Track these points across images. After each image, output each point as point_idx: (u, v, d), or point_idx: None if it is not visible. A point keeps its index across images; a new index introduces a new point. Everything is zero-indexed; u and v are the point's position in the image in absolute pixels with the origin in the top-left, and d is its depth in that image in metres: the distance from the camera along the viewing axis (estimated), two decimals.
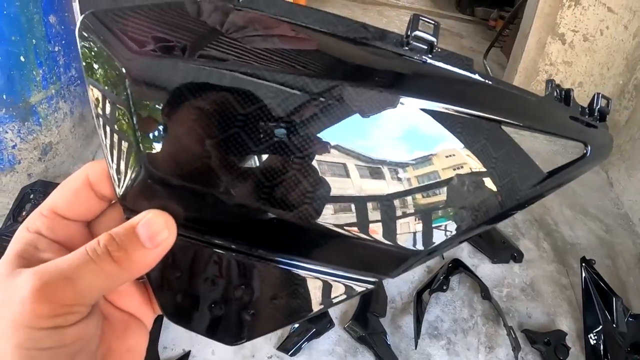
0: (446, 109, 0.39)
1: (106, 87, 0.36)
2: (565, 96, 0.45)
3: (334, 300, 0.42)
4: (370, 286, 0.42)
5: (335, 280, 0.41)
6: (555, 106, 0.45)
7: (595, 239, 2.23)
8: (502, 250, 2.02)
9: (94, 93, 0.36)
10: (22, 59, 1.87)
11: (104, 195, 0.38)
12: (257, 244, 0.39)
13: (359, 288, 0.42)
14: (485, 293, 1.76)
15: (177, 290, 0.39)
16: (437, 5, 6.33)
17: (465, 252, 2.02)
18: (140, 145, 0.35)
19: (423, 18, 0.40)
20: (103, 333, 0.38)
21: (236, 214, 0.37)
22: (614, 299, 1.64)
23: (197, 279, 0.39)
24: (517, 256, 2.01)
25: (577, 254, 2.04)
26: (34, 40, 1.90)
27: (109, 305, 0.40)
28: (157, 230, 0.35)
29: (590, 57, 2.77)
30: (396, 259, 0.41)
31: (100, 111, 0.36)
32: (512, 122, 0.42)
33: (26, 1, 1.82)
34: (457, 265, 1.85)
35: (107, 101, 0.36)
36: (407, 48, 0.40)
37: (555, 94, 0.45)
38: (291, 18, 0.39)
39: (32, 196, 1.86)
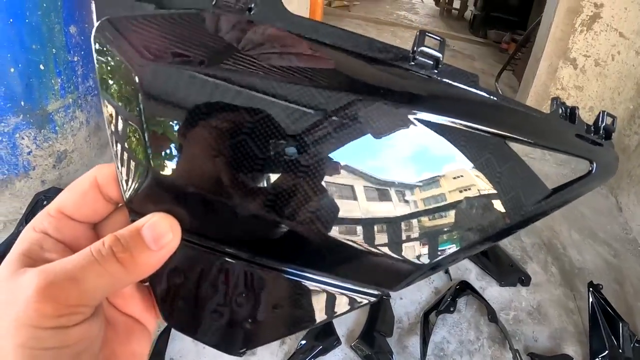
0: (452, 122, 0.39)
1: (118, 94, 0.36)
2: (571, 114, 0.44)
3: (337, 312, 0.42)
4: (372, 299, 0.42)
5: (339, 292, 0.41)
6: (561, 124, 0.44)
7: (603, 264, 2.23)
8: (510, 273, 2.02)
9: (106, 97, 0.37)
10: (41, 67, 1.91)
11: (111, 197, 0.39)
12: (261, 252, 0.39)
13: (362, 300, 0.42)
14: (492, 316, 1.76)
15: (179, 295, 0.39)
16: (450, 27, 6.39)
17: (473, 274, 2.02)
18: (150, 155, 0.36)
19: (429, 34, 0.41)
20: (107, 337, 0.37)
21: (241, 223, 0.37)
22: (620, 324, 1.64)
23: (199, 285, 0.39)
24: (524, 279, 2.00)
25: (584, 278, 2.04)
26: (54, 50, 1.93)
27: (112, 309, 0.40)
28: (161, 233, 0.35)
29: (601, 82, 2.79)
30: (399, 273, 0.41)
31: (111, 118, 0.37)
32: (517, 137, 0.42)
33: (48, 11, 1.85)
34: (464, 287, 1.85)
35: (119, 108, 0.37)
36: (413, 63, 0.41)
37: (560, 111, 0.45)
38: (301, 32, 0.39)
39: (45, 202, 1.87)
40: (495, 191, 0.41)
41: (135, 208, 0.37)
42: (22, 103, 1.90)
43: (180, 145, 0.35)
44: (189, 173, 0.36)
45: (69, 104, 2.09)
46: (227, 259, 0.39)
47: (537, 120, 0.44)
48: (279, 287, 0.40)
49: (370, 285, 0.42)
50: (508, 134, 0.41)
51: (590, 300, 1.75)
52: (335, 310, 0.42)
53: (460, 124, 0.39)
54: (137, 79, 0.35)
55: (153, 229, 0.35)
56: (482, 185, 0.41)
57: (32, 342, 0.30)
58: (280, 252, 0.39)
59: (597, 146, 0.45)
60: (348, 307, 0.42)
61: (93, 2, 0.36)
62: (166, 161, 0.36)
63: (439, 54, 0.40)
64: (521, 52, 3.87)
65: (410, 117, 0.38)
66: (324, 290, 0.40)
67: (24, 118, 1.93)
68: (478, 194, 0.41)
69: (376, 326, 1.62)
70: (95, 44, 0.36)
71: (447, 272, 1.97)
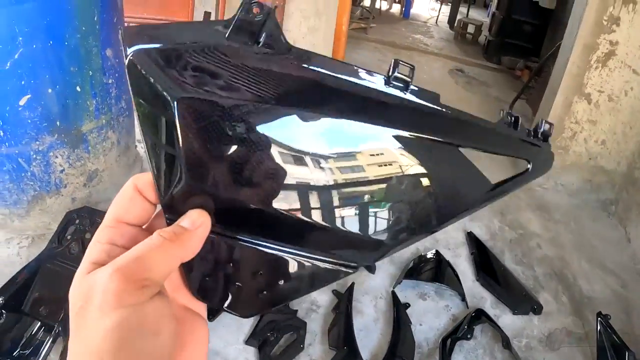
0: (413, 136, 0.47)
1: (154, 120, 0.42)
2: (514, 122, 0.51)
3: (330, 280, 0.50)
4: (350, 271, 0.50)
5: (321, 265, 0.49)
6: (506, 130, 0.51)
7: (611, 293, 2.29)
8: (523, 302, 2.08)
9: (143, 119, 0.43)
10: (78, 89, 1.97)
11: (151, 200, 0.44)
12: (260, 234, 0.46)
13: (343, 273, 0.50)
14: (506, 343, 1.82)
15: (200, 271, 0.45)
16: (464, 51, 6.48)
17: (488, 303, 2.09)
18: (182, 168, 0.42)
19: (402, 63, 0.48)
20: (177, 331, 0.42)
21: (246, 213, 0.45)
22: (627, 353, 1.70)
23: (216, 263, 0.46)
24: (536, 308, 2.06)
25: (593, 308, 2.10)
26: (90, 72, 1.99)
27: (174, 304, 0.45)
28: (195, 217, 0.42)
29: (614, 117, 2.85)
30: (365, 247, 0.49)
31: (147, 137, 0.43)
32: (467, 145, 0.50)
33: (86, 34, 1.91)
34: (480, 315, 1.92)
35: (155, 130, 0.43)
36: (390, 86, 0.48)
37: (507, 120, 0.52)
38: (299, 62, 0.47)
39: (77, 221, 1.93)
40: (439, 179, 0.50)
41: (169, 210, 0.43)
42: (58, 123, 1.95)
43: (203, 161, 0.42)
44: (210, 181, 0.43)
45: (102, 124, 2.14)
46: (238, 242, 0.46)
47: (487, 130, 0.51)
48: (282, 264, 0.48)
49: (348, 259, 0.50)
50: (460, 143, 0.49)
51: (599, 329, 1.81)
52: (322, 280, 0.50)
53: (418, 136, 0.48)
54: (174, 106, 0.40)
55: (188, 216, 0.42)
56: (418, 170, 0.49)
57: (117, 326, 0.34)
58: (285, 238, 0.47)
59: (535, 147, 0.53)
60: (332, 278, 0.50)
61: (120, 36, 0.42)
62: (194, 172, 0.42)
63: (408, 79, 0.48)
64: (535, 81, 3.94)
65: (389, 133, 0.47)
66: (313, 264, 0.49)
67: (58, 137, 1.98)
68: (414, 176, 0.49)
69: (397, 351, 1.68)
70: (129, 73, 0.41)
71: (463, 299, 2.03)
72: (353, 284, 2.03)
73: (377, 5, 8.32)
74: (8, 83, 1.79)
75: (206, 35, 0.44)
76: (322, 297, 2.01)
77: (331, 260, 0.49)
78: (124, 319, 0.35)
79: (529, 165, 0.53)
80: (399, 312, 1.90)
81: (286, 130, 0.44)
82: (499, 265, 2.30)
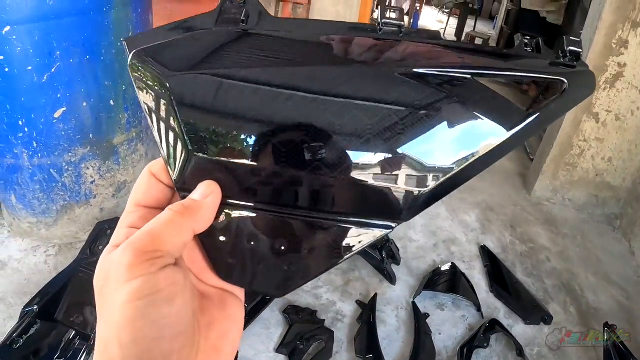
0: (434, 71, 0.45)
1: (155, 104, 0.44)
2: (536, 45, 0.48)
3: (359, 244, 0.46)
4: (387, 230, 0.46)
5: (358, 228, 0.46)
6: (529, 54, 0.48)
7: (616, 305, 2.37)
8: (534, 313, 2.16)
9: (147, 108, 0.45)
10: (111, 102, 2.03)
11: (166, 183, 0.45)
12: (289, 204, 0.44)
13: (380, 232, 0.46)
14: (519, 351, 1.90)
15: (225, 251, 0.45)
16: None
17: (501, 313, 2.17)
18: (188, 143, 0.43)
19: (390, 7, 0.50)
20: (204, 306, 0.43)
21: (270, 182, 0.44)
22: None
23: (238, 240, 0.45)
24: (547, 318, 2.15)
25: (599, 318, 2.20)
26: (124, 86, 2.06)
27: (204, 285, 0.45)
28: (204, 188, 0.43)
29: (620, 135, 2.94)
30: (400, 203, 0.45)
31: (153, 122, 0.45)
32: (494, 72, 0.46)
33: (122, 50, 1.96)
34: (494, 325, 2.00)
35: (158, 113, 0.44)
36: (380, 32, 0.48)
37: (525, 44, 0.48)
38: (290, 29, 0.49)
39: (108, 232, 1.97)
40: (475, 115, 0.45)
41: (182, 187, 0.44)
42: (91, 136, 2.02)
43: (211, 132, 0.44)
44: (215, 152, 0.44)
45: (132, 137, 2.20)
46: (259, 212, 0.44)
47: (508, 55, 0.48)
48: (308, 230, 0.45)
49: (383, 218, 0.46)
50: (487, 71, 0.46)
51: (605, 338, 1.90)
52: (359, 243, 0.46)
53: (451, 72, 0.45)
54: (168, 85, 0.43)
55: (198, 189, 0.43)
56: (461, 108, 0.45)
57: (130, 296, 0.35)
58: (306, 201, 0.44)
59: (569, 68, 0.47)
60: (372, 239, 0.46)
61: (125, 43, 0.46)
62: (201, 146, 0.43)
63: (400, 22, 0.48)
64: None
65: (398, 73, 0.45)
66: (347, 228, 0.45)
67: (90, 150, 2.04)
68: (457, 114, 0.45)
69: (419, 359, 1.75)
70: (131, 71, 0.45)
71: (479, 310, 2.12)
72: (376, 294, 2.12)
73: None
74: (44, 96, 1.85)
75: (198, 27, 0.48)
76: (347, 307, 2.08)
77: (363, 220, 0.45)
78: (136, 289, 0.35)
79: (564, 85, 0.47)
80: (419, 322, 1.98)
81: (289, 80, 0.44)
82: (511, 277, 2.38)
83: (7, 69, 1.74)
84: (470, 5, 8.33)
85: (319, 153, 0.43)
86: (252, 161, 0.43)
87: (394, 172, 0.44)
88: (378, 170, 0.44)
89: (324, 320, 1.97)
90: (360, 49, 0.48)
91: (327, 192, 0.44)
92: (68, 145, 1.98)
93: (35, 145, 1.93)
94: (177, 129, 0.43)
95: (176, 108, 0.43)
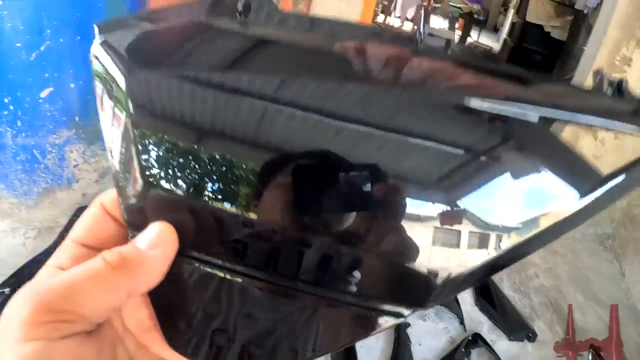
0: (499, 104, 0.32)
1: (111, 110, 0.35)
2: (618, 87, 0.36)
3: (368, 333, 0.36)
4: (401, 319, 0.35)
5: (369, 313, 0.35)
6: (611, 98, 0.36)
7: (603, 326, 2.31)
8: (519, 329, 2.12)
9: (102, 113, 0.36)
10: None
11: (119, 219, 0.36)
12: (281, 273, 0.33)
13: (386, 322, 0.35)
14: None
15: (179, 316, 0.35)
16: None
17: (485, 328, 2.12)
18: (141, 167, 0.33)
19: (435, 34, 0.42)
20: None
21: (267, 245, 0.33)
22: None
23: (200, 304, 0.34)
24: (531, 336, 2.11)
25: (586, 339, 2.13)
26: None
27: (147, 355, 0.36)
28: (153, 236, 0.32)
29: (617, 154, 2.85)
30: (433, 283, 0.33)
31: (106, 134, 0.36)
32: (572, 112, 0.34)
33: None
34: (477, 339, 1.96)
35: (112, 122, 0.35)
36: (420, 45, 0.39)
37: (603, 86, 0.36)
38: (297, 27, 0.40)
39: None
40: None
41: (133, 223, 0.34)
42: (77, 118, 1.97)
43: (170, 157, 0.33)
44: (176, 182, 0.33)
45: None
46: (235, 277, 0.34)
47: (588, 97, 0.37)
48: (299, 308, 0.34)
49: (400, 304, 0.34)
50: (563, 110, 0.34)
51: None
52: (366, 332, 0.36)
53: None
54: (125, 86, 0.33)
55: (145, 234, 0.33)
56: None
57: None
58: (302, 272, 0.33)
59: None
60: (379, 329, 0.35)
61: (96, 28, 0.36)
62: (155, 174, 0.33)
63: (449, 37, 0.43)
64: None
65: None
66: (354, 311, 0.34)
67: (76, 133, 2.00)
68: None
69: None
70: (93, 66, 0.36)
71: (462, 322, 2.07)
72: None
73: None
74: (31, 74, 1.80)
75: (188, 16, 0.40)
76: None
77: (369, 305, 0.34)
78: (23, 356, 0.27)
79: None
80: (399, 331, 1.93)
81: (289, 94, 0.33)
82: (498, 291, 2.34)
83: None
84: (475, 16, 8.30)
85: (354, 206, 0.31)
86: (237, 208, 0.32)
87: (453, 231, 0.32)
88: (430, 234, 0.32)
89: None
90: (397, 65, 0.35)
91: (346, 262, 0.33)
92: (53, 126, 1.93)
93: (19, 124, 1.88)
94: (131, 148, 0.33)
95: (133, 119, 0.33)
